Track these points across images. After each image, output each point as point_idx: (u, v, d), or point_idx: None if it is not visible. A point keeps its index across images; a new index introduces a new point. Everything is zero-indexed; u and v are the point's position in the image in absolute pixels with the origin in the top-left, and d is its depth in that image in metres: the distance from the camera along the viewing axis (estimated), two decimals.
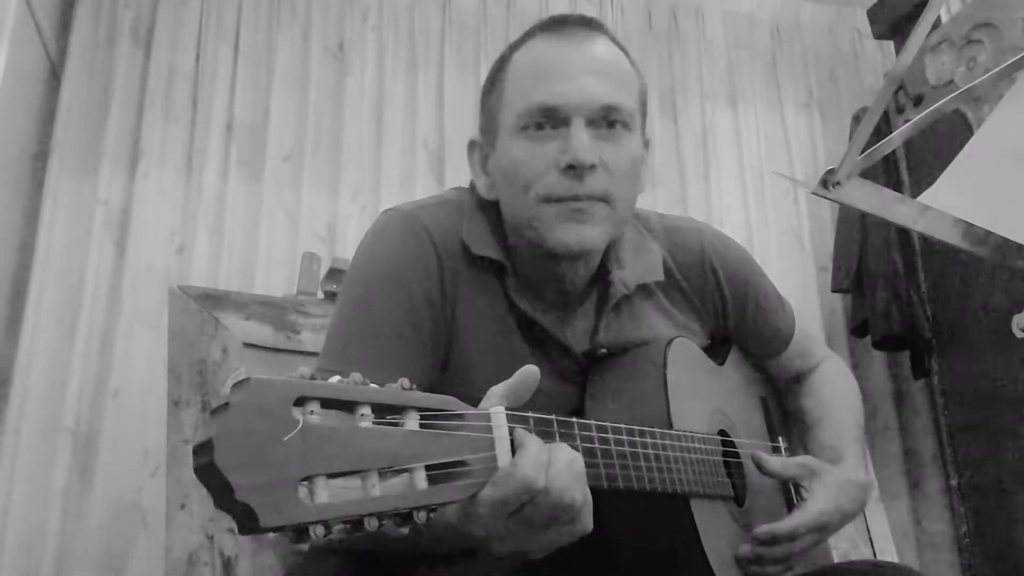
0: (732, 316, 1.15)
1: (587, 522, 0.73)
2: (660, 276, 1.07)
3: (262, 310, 1.76)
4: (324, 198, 2.33)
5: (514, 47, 1.00)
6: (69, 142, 2.20)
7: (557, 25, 0.98)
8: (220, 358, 1.68)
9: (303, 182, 2.31)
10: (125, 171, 2.23)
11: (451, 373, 0.98)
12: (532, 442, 0.70)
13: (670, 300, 1.10)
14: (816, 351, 1.28)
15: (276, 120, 2.35)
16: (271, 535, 0.53)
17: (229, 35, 2.39)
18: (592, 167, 0.92)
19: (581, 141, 0.91)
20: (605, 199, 0.93)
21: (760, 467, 1.04)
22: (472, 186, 1.06)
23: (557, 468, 0.70)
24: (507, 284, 1.00)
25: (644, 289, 1.07)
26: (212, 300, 1.74)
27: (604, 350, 1.03)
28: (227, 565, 1.56)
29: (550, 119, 0.93)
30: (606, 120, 0.94)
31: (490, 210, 1.02)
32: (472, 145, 1.05)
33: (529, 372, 0.73)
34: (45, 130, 2.23)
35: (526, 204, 0.94)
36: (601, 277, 1.04)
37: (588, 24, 0.99)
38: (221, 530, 1.58)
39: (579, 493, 0.71)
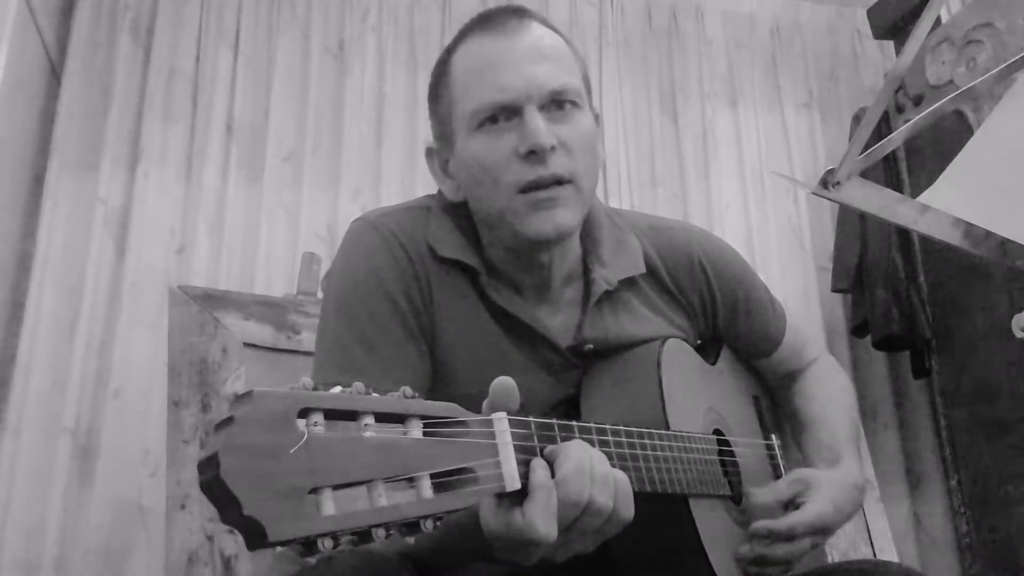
0: (722, 316, 1.16)
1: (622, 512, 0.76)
2: (642, 269, 1.08)
3: (262, 310, 1.76)
4: (324, 198, 2.33)
5: (450, 51, 1.02)
6: (69, 142, 2.20)
7: (488, 21, 1.00)
8: (220, 358, 1.68)
9: (303, 182, 2.31)
10: (125, 171, 2.23)
11: (436, 373, 1.00)
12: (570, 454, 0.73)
13: (655, 294, 1.10)
14: (808, 351, 1.27)
15: (276, 120, 2.35)
16: (278, 549, 0.52)
17: (229, 35, 2.39)
18: (552, 148, 0.93)
19: (537, 126, 0.93)
20: (571, 180, 0.95)
21: (756, 504, 1.03)
22: (440, 191, 1.07)
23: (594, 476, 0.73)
24: (480, 283, 1.01)
25: (628, 283, 1.07)
26: (212, 300, 1.74)
27: (590, 346, 1.03)
28: (227, 565, 1.56)
29: (503, 112, 0.95)
30: (556, 103, 0.96)
31: (457, 213, 1.04)
32: (430, 152, 1.07)
33: (502, 382, 0.72)
34: (45, 130, 2.23)
35: (497, 197, 0.96)
36: (583, 274, 1.06)
37: (518, 13, 1.00)
38: (221, 530, 1.58)
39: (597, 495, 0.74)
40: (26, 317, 2.04)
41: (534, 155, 0.93)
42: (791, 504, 1.10)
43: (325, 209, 2.31)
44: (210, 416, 1.64)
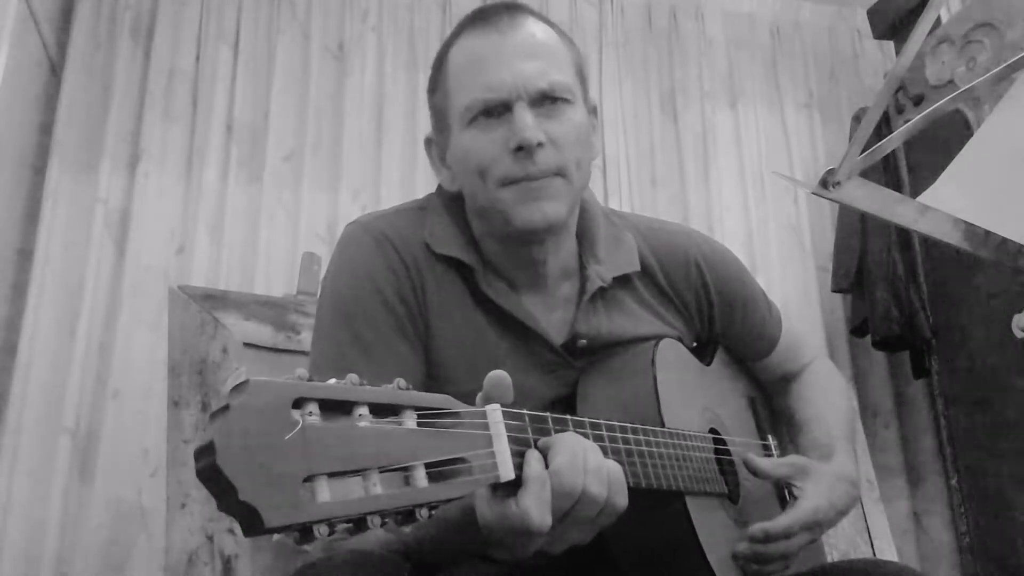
0: (719, 319, 1.17)
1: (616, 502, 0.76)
2: (637, 266, 1.09)
3: (262, 310, 1.76)
4: (324, 198, 2.33)
5: (448, 45, 1.03)
6: (69, 142, 2.20)
7: (482, 17, 1.01)
8: (220, 358, 1.68)
9: (303, 182, 2.31)
10: (125, 171, 2.23)
11: (431, 373, 1.01)
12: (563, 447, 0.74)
13: (650, 294, 1.11)
14: (804, 353, 1.28)
15: (276, 120, 2.35)
16: (275, 536, 0.53)
17: (229, 35, 2.40)
18: (540, 144, 0.95)
19: (525, 123, 0.94)
20: (559, 173, 0.97)
21: (750, 468, 1.05)
22: (439, 189, 1.09)
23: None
24: (476, 279, 1.02)
25: (623, 282, 1.08)
26: (212, 300, 1.74)
27: (583, 341, 1.04)
28: (227, 565, 1.56)
29: (494, 109, 0.96)
30: (546, 98, 0.97)
31: (455, 208, 1.06)
32: (428, 142, 1.09)
33: (496, 376, 0.73)
34: (45, 130, 2.23)
35: (485, 190, 0.98)
36: (578, 271, 1.07)
37: (511, 9, 1.02)
38: (221, 530, 1.58)
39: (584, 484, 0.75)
40: (26, 317, 2.05)
41: (522, 151, 0.95)
42: (784, 488, 1.10)
43: (325, 209, 2.32)
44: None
